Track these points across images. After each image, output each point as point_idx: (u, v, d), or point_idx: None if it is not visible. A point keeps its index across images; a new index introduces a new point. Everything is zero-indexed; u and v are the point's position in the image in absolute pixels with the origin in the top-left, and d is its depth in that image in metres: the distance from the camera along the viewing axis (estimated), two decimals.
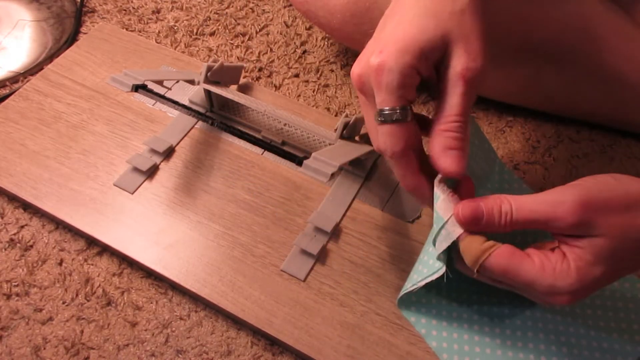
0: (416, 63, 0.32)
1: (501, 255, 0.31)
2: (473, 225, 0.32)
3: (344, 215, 0.46)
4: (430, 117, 0.36)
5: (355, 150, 0.45)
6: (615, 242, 0.30)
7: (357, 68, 0.35)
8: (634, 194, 0.31)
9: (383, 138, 0.33)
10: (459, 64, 0.32)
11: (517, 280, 0.31)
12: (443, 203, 0.33)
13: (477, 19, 0.32)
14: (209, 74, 0.49)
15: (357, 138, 0.50)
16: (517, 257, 0.31)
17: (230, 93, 0.47)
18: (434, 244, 0.35)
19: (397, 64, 0.31)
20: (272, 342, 0.41)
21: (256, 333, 0.41)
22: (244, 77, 0.58)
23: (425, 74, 0.33)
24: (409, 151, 0.33)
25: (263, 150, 0.49)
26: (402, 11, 0.33)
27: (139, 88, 0.53)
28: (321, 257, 0.43)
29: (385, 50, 0.32)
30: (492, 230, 0.32)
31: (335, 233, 0.44)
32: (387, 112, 0.32)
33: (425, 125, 0.35)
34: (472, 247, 0.32)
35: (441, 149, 0.33)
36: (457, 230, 0.33)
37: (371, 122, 0.35)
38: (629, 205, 0.31)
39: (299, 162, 0.48)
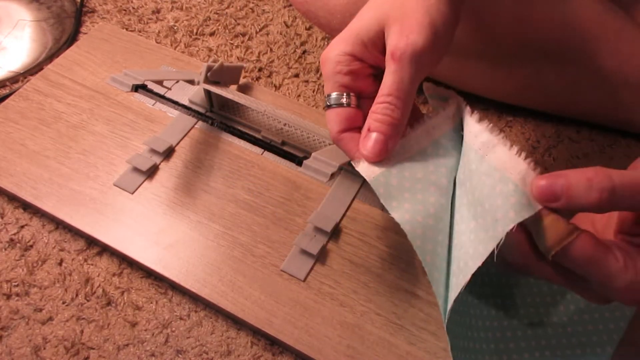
0: (351, 49, 0.33)
1: (588, 242, 0.28)
2: (553, 199, 0.28)
3: (344, 215, 0.46)
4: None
5: None
6: None
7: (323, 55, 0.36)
8: None
9: (327, 121, 0.35)
10: (390, 44, 0.32)
11: (597, 272, 0.28)
12: (506, 156, 0.29)
13: (420, 3, 0.32)
14: (209, 74, 0.49)
15: None
16: (602, 247, 0.28)
17: (230, 93, 0.47)
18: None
19: (332, 52, 0.33)
20: (272, 342, 0.41)
21: (256, 333, 0.41)
22: (244, 77, 0.58)
23: (371, 61, 0.34)
24: (344, 134, 0.34)
25: (263, 150, 0.49)
26: (366, 5, 0.35)
27: (139, 88, 0.53)
28: (321, 257, 0.43)
29: (333, 42, 0.34)
30: (577, 208, 0.29)
31: (335, 233, 0.44)
32: (328, 97, 0.34)
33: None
34: (559, 226, 0.28)
35: (364, 131, 0.33)
36: (535, 204, 0.28)
37: None
38: None
39: (298, 162, 0.48)
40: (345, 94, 0.34)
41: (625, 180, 0.30)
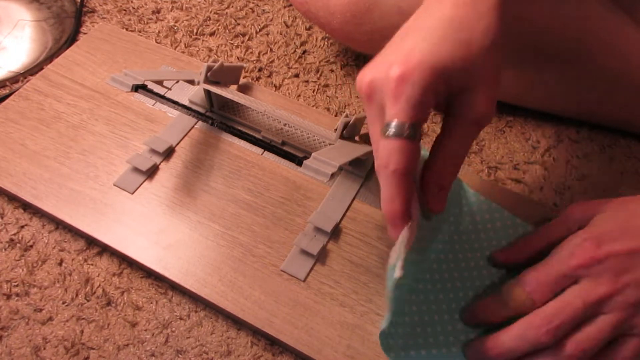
0: (438, 85, 0.30)
1: None
2: None
3: (344, 215, 0.46)
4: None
5: (355, 150, 0.45)
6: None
7: (369, 74, 0.32)
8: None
9: (388, 152, 0.31)
10: (478, 108, 0.31)
11: None
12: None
13: (499, 59, 0.31)
14: (209, 74, 0.49)
15: (357, 138, 0.50)
16: None
17: (230, 93, 0.47)
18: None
19: (422, 79, 0.30)
20: (272, 342, 0.41)
21: (256, 333, 0.41)
22: (244, 77, 0.58)
23: (440, 100, 0.32)
24: (410, 173, 0.31)
25: (263, 150, 0.49)
26: (428, 25, 0.32)
27: (139, 88, 0.53)
28: (321, 257, 0.43)
29: (410, 62, 0.30)
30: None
31: (335, 233, 0.44)
32: (398, 125, 0.30)
33: None
34: None
35: (437, 186, 0.33)
36: None
37: (376, 134, 0.32)
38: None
39: (299, 162, 0.48)
40: (417, 126, 0.31)
41: None
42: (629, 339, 0.33)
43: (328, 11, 0.51)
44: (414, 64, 0.30)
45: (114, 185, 0.46)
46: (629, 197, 0.37)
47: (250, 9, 0.66)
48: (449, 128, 0.32)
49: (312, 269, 0.42)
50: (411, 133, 0.30)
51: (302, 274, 0.42)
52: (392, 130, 0.30)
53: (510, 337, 0.34)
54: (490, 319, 0.37)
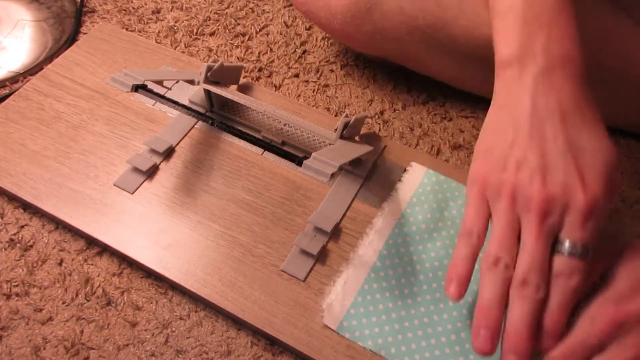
0: None
1: None
2: None
3: (344, 215, 0.46)
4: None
5: (355, 150, 0.45)
6: None
7: (547, 188, 0.33)
8: None
9: (570, 272, 0.33)
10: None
11: None
12: None
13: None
14: (209, 74, 0.49)
15: (357, 138, 0.50)
16: None
17: (230, 93, 0.47)
18: None
19: (606, 207, 0.33)
20: (272, 342, 0.41)
21: (256, 333, 0.41)
22: (244, 77, 0.58)
23: None
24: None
25: (263, 150, 0.49)
26: (595, 131, 0.34)
27: (139, 88, 0.53)
28: (321, 257, 0.43)
29: (597, 184, 0.33)
30: None
31: (335, 233, 0.44)
32: (584, 246, 0.33)
33: None
34: None
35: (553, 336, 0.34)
36: None
37: (543, 250, 0.33)
38: None
39: (299, 162, 0.48)
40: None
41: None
42: None
43: (329, 11, 0.51)
44: (601, 188, 0.33)
45: (114, 185, 0.46)
46: None
47: (250, 9, 0.66)
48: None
49: (312, 269, 0.42)
50: (589, 253, 0.33)
51: (302, 274, 0.42)
52: (578, 249, 0.33)
53: None
54: None
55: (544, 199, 0.33)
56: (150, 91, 0.53)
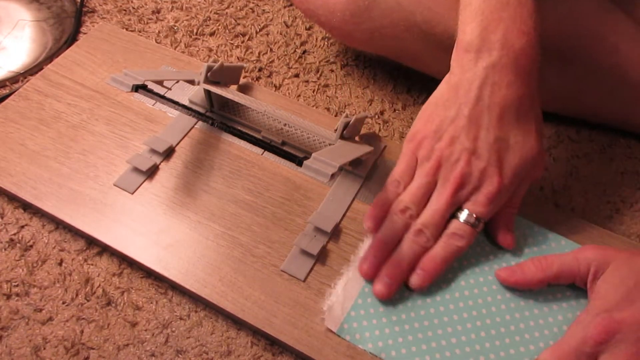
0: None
1: None
2: None
3: (344, 215, 0.45)
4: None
5: (355, 150, 0.45)
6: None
7: (468, 168, 0.40)
8: None
9: (460, 234, 0.40)
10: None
11: None
12: None
13: None
14: (209, 74, 0.49)
15: (357, 138, 0.50)
16: None
17: (230, 93, 0.47)
18: None
19: (509, 194, 0.41)
20: (272, 342, 0.41)
21: (256, 333, 0.41)
22: (244, 77, 0.58)
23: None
24: None
25: (263, 150, 0.49)
26: None
27: (139, 88, 0.53)
28: (321, 257, 0.43)
29: (508, 177, 0.40)
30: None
31: (335, 233, 0.44)
32: (478, 218, 0.40)
33: None
34: None
35: (505, 227, 0.43)
36: None
37: (444, 212, 0.40)
38: None
39: (299, 162, 0.48)
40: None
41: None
42: None
43: (328, 10, 0.51)
44: None
45: (114, 185, 0.46)
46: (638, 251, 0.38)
47: (250, 9, 0.66)
48: None
49: (312, 269, 0.42)
50: None
51: (302, 274, 0.42)
52: (473, 219, 0.40)
53: None
54: None
55: (462, 175, 0.39)
56: (150, 91, 0.53)
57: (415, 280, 0.40)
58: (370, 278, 0.41)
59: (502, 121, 0.39)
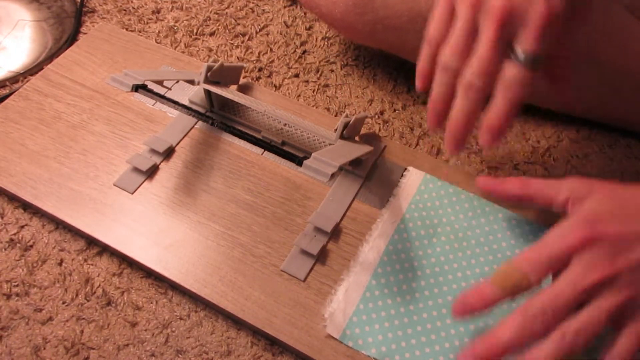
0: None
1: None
2: None
3: (344, 215, 0.45)
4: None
5: (355, 151, 0.45)
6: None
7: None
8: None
9: (517, 80, 0.35)
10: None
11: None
12: None
13: None
14: (209, 74, 0.49)
15: (357, 138, 0.50)
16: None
17: (230, 93, 0.47)
18: None
19: (564, 22, 0.34)
20: (272, 342, 0.41)
21: (256, 333, 0.41)
22: (244, 77, 0.58)
23: None
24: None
25: (263, 150, 0.49)
26: None
27: (139, 88, 0.53)
28: (321, 257, 0.43)
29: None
30: None
31: (335, 233, 0.44)
32: (534, 56, 0.34)
33: None
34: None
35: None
36: None
37: (493, 56, 0.35)
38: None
39: (299, 162, 0.48)
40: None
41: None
42: (628, 326, 0.32)
43: (330, 1, 0.51)
44: None
45: (114, 185, 0.46)
46: (628, 183, 0.36)
47: (250, 9, 0.66)
48: None
49: (312, 269, 0.42)
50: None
51: (302, 274, 0.42)
52: (529, 59, 0.34)
53: (505, 329, 0.33)
54: (485, 304, 0.35)
55: (504, 6, 0.33)
56: (150, 91, 0.53)
57: (482, 140, 0.37)
58: (434, 128, 0.39)
59: None
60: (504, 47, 0.34)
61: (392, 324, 0.40)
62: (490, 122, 0.36)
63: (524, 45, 0.34)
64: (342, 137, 0.47)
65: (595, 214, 0.34)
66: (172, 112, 0.52)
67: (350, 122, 0.46)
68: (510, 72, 0.34)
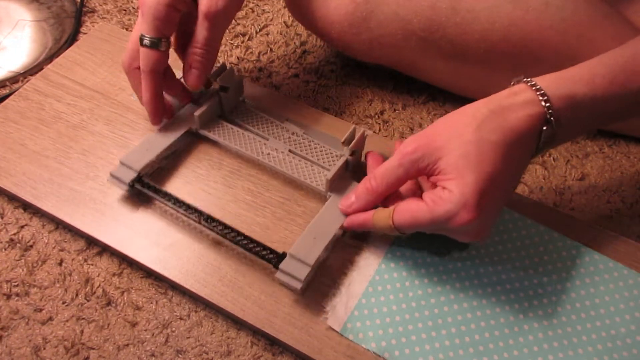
0: (172, 1, 0.41)
1: (400, 212, 0.38)
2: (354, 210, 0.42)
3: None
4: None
5: (332, 226, 0.43)
6: (465, 149, 0.35)
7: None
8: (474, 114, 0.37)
9: (141, 58, 0.43)
10: (202, 4, 0.42)
11: (425, 224, 0.37)
12: None
13: None
14: (218, 79, 0.48)
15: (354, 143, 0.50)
16: (413, 205, 0.37)
17: (227, 133, 0.47)
18: None
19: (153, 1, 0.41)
20: (272, 342, 0.41)
21: (256, 333, 0.41)
22: (244, 77, 0.58)
23: (185, 8, 0.43)
24: (154, 73, 0.43)
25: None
26: None
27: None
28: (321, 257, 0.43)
29: None
30: (373, 202, 0.41)
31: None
32: (142, 36, 0.42)
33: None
34: (381, 216, 0.39)
35: (187, 66, 0.44)
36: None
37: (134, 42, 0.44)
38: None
39: (275, 264, 0.42)
40: (162, 40, 0.42)
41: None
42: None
43: (326, 21, 0.51)
44: None
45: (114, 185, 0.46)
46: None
47: (250, 9, 0.66)
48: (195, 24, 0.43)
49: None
50: (155, 45, 0.42)
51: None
52: (142, 41, 0.42)
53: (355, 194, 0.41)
54: (361, 228, 0.42)
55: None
56: None
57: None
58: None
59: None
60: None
61: (393, 319, 0.40)
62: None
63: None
64: (351, 153, 0.45)
65: (406, 144, 0.38)
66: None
67: (357, 137, 0.45)
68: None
